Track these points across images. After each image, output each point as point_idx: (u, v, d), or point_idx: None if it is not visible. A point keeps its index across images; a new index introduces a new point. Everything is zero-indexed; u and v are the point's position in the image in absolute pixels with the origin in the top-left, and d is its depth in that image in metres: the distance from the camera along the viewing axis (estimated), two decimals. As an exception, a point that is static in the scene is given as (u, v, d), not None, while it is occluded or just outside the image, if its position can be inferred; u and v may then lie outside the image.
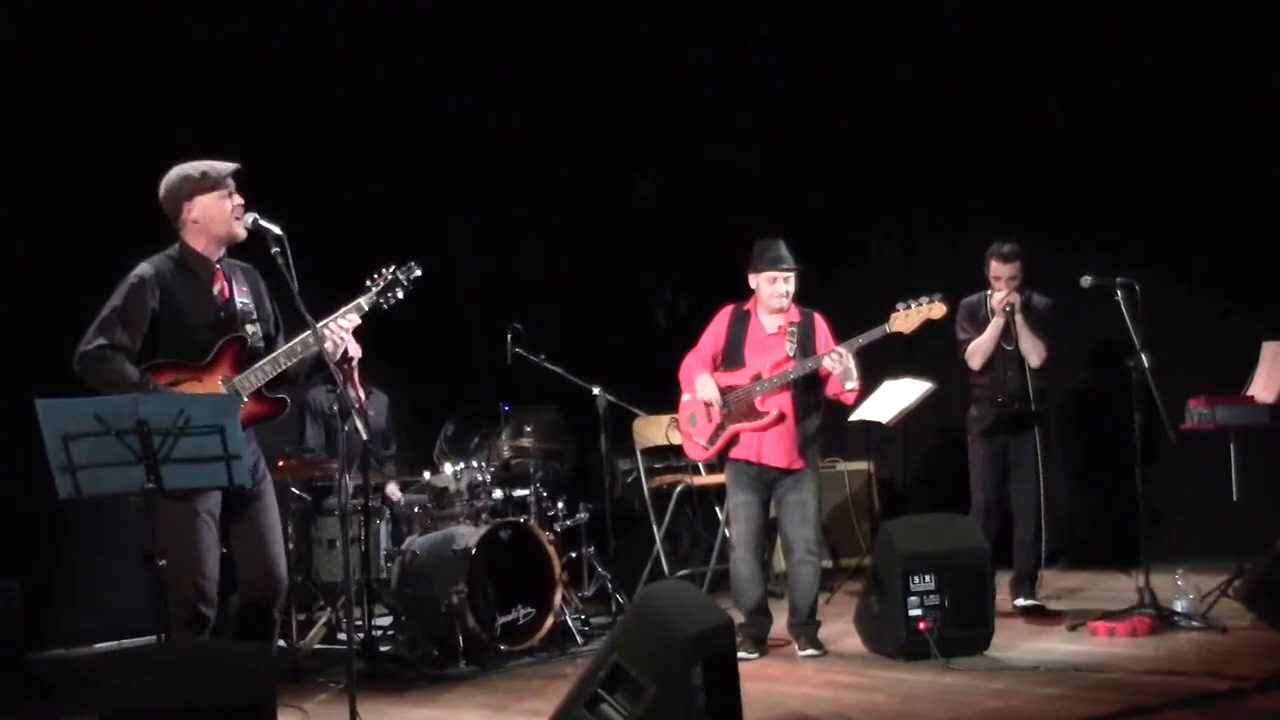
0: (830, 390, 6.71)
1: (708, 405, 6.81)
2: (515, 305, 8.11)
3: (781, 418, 6.67)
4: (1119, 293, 6.84)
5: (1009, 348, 7.41)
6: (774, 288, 6.77)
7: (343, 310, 5.31)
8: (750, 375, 6.75)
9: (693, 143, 10.81)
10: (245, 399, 5.11)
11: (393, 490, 8.12)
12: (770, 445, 6.71)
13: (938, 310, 6.44)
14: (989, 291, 7.49)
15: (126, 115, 8.05)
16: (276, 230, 5.14)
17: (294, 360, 5.21)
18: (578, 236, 10.29)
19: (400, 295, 5.44)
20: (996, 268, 7.41)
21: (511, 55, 10.15)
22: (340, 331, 5.26)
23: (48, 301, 7.37)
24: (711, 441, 6.87)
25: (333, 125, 9.08)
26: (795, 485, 6.73)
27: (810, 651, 6.65)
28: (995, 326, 7.40)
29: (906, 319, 6.43)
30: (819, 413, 6.83)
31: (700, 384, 6.82)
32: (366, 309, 5.36)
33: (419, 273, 5.47)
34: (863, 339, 6.48)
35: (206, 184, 5.19)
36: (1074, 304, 7.52)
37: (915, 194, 9.69)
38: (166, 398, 4.80)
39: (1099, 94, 8.90)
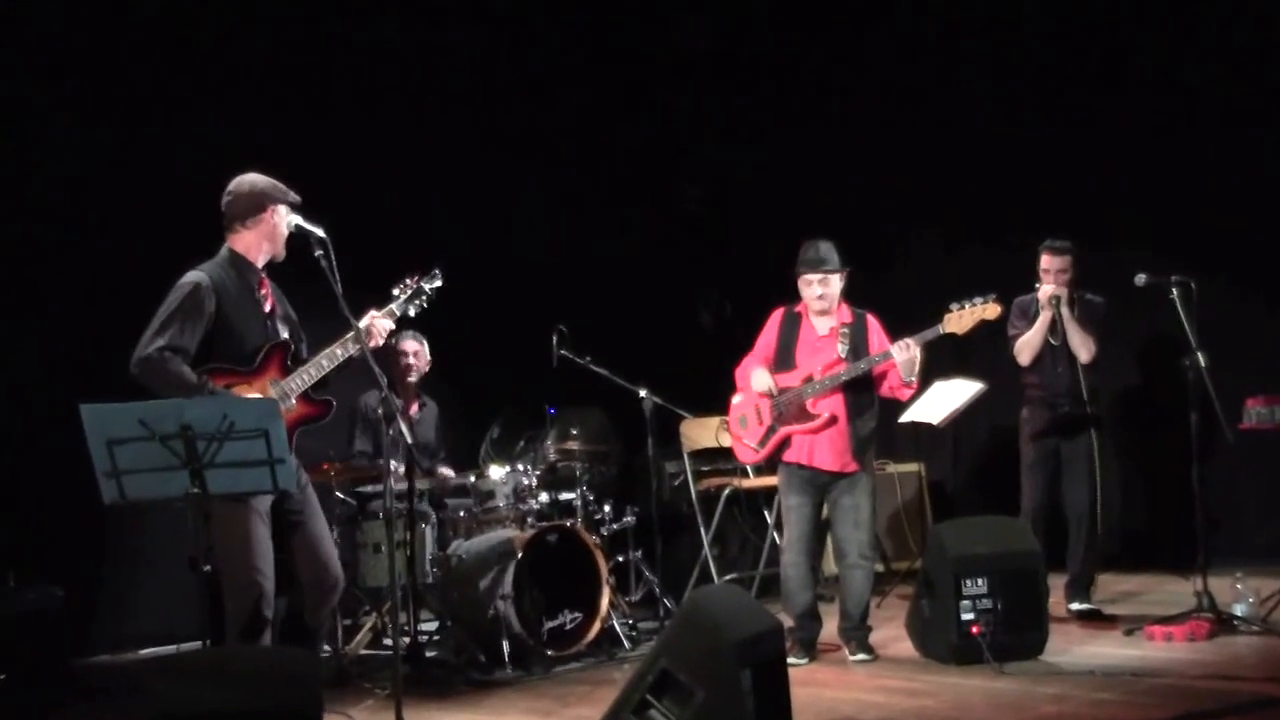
0: (887, 385, 6.67)
1: (761, 399, 6.78)
2: (561, 307, 8.11)
3: (833, 420, 6.63)
4: (1174, 291, 6.77)
5: (1056, 344, 7.37)
6: (809, 290, 6.75)
7: (380, 313, 5.53)
8: (802, 377, 6.71)
9: (739, 143, 10.77)
10: (294, 401, 5.24)
11: (447, 476, 8.13)
12: (823, 448, 6.67)
13: (992, 311, 6.38)
14: (1039, 285, 7.43)
15: (162, 126, 8.10)
16: (319, 232, 5.22)
17: (336, 363, 5.35)
18: (624, 238, 10.28)
19: (424, 305, 5.72)
20: (1046, 260, 7.37)
21: (557, 57, 10.15)
22: (383, 330, 5.50)
23: (91, 308, 7.46)
24: (762, 444, 6.84)
25: (375, 124, 9.10)
26: (849, 489, 6.69)
27: (861, 656, 6.61)
28: (1042, 321, 7.36)
29: (960, 320, 6.38)
30: (873, 415, 6.78)
31: (756, 376, 6.80)
32: (399, 315, 5.63)
33: (439, 283, 5.74)
34: (916, 340, 6.45)
35: (288, 199, 5.39)
36: (1128, 303, 7.44)
37: (963, 193, 9.64)
38: (210, 401, 4.85)
39: (1149, 89, 8.81)
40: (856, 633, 6.70)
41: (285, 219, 5.36)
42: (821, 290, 6.72)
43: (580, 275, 9.72)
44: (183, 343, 5.11)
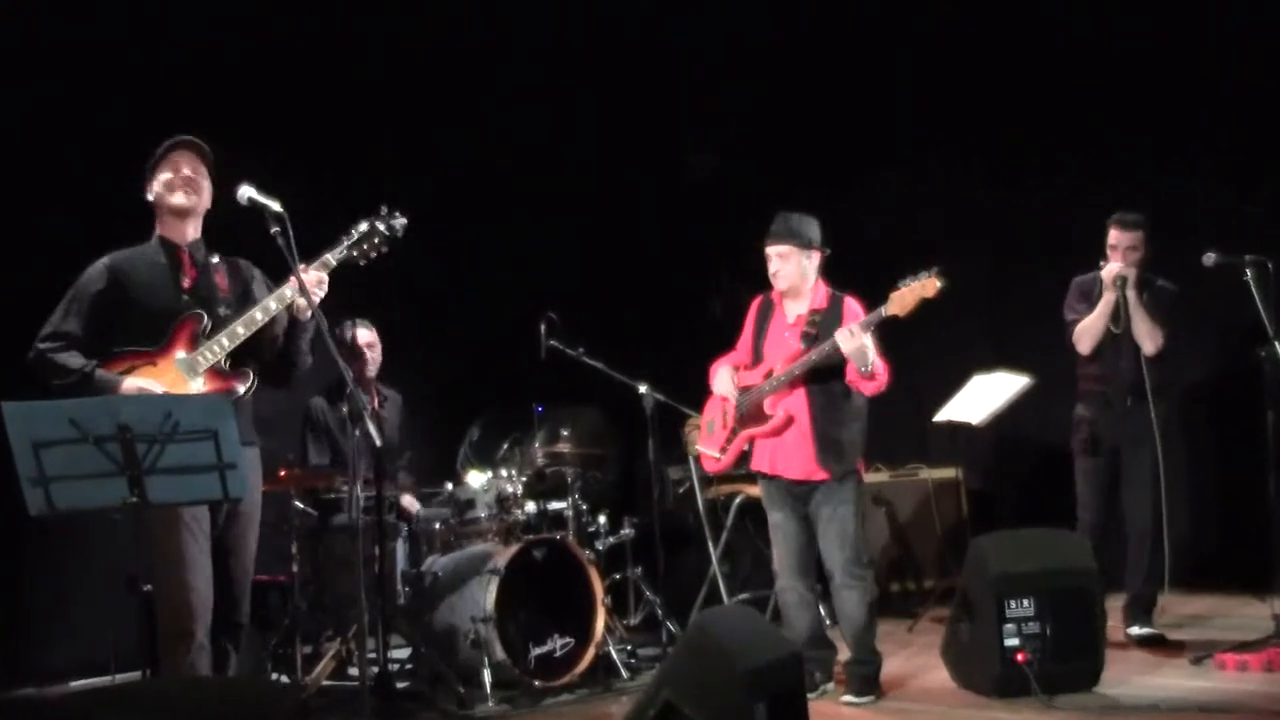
0: (848, 378, 6.49)
1: (724, 404, 6.77)
2: (550, 292, 8.10)
3: (790, 421, 6.55)
4: (1248, 271, 6.76)
5: (1118, 331, 7.35)
6: (768, 267, 6.71)
7: (313, 264, 5.48)
8: (764, 373, 6.67)
9: (749, 113, 10.75)
10: (201, 376, 5.31)
11: (409, 503, 8.14)
12: (786, 454, 6.59)
13: (930, 287, 6.17)
14: (1103, 263, 7.42)
15: (96, 100, 8.04)
16: (275, 206, 5.26)
17: (254, 329, 5.38)
18: (622, 215, 10.26)
19: (383, 248, 5.61)
20: (1115, 235, 7.36)
21: (550, 21, 10.12)
22: (310, 287, 5.42)
23: (11, 299, 7.42)
24: (724, 450, 6.80)
25: (348, 88, 9.09)
26: (825, 500, 6.54)
27: (849, 699, 6.46)
28: (1106, 303, 7.34)
29: (902, 300, 6.21)
30: (851, 413, 6.60)
31: (718, 378, 6.80)
32: (334, 264, 5.53)
33: (403, 221, 5.63)
34: (862, 325, 6.29)
35: (152, 162, 5.53)
36: (1196, 285, 7.43)
37: (1009, 166, 9.63)
38: (151, 399, 4.90)
39: (1212, 50, 8.80)
40: (855, 668, 6.54)
41: (159, 181, 5.49)
42: (777, 266, 6.66)
43: (572, 256, 9.71)
44: (66, 327, 5.33)
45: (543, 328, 7.78)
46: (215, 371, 5.34)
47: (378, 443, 5.47)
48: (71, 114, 7.94)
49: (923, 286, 6.17)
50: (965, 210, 9.89)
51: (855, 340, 6.24)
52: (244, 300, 5.58)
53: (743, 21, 10.41)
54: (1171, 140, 8.85)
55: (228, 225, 5.61)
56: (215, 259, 5.60)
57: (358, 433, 5.81)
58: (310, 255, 5.36)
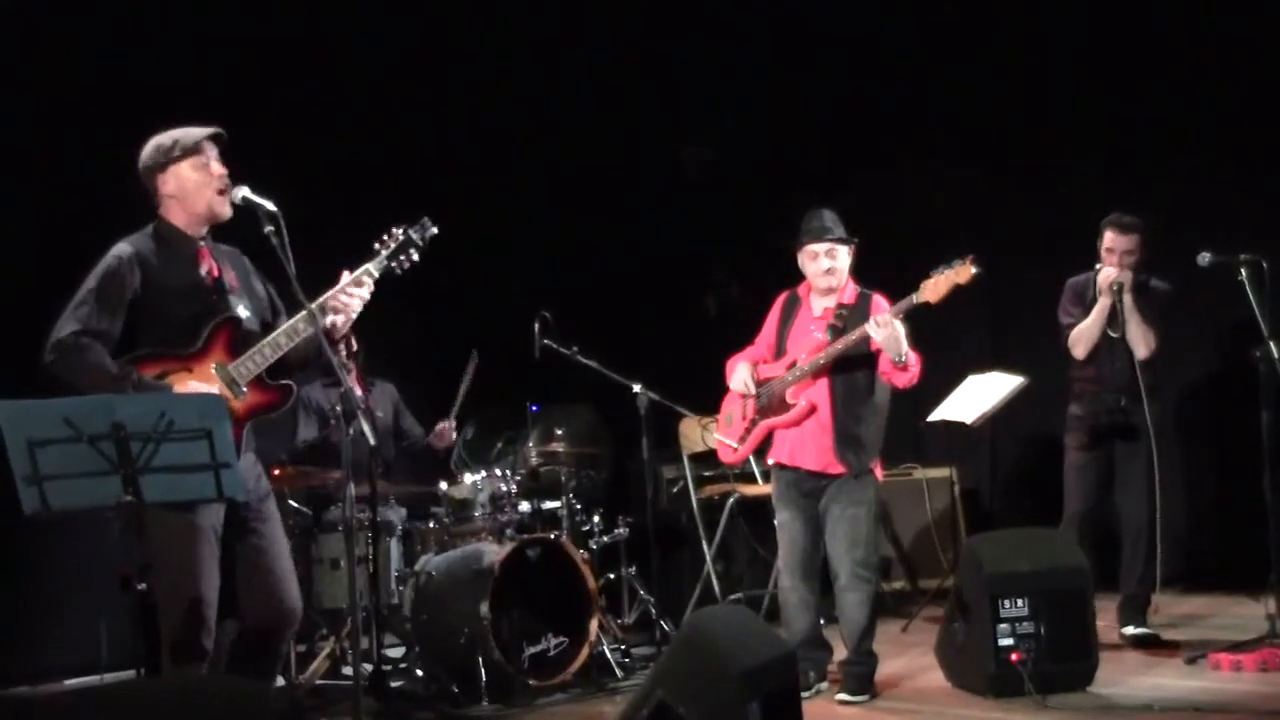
0: (880, 369, 6.47)
1: (744, 398, 6.76)
2: (544, 290, 8.10)
3: (812, 410, 6.53)
4: (1243, 271, 6.77)
5: (1115, 335, 7.36)
6: (816, 264, 6.63)
7: (350, 277, 5.33)
8: (786, 365, 6.66)
9: (747, 107, 10.76)
10: (244, 388, 5.13)
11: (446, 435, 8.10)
12: (804, 444, 6.56)
13: (964, 274, 6.16)
14: (1099, 266, 7.42)
15: (93, 81, 8.02)
16: (270, 206, 5.15)
17: (296, 340, 5.19)
18: (617, 213, 10.25)
19: (415, 257, 5.45)
20: (1111, 239, 7.34)
21: (546, 19, 10.11)
22: (354, 300, 5.30)
23: (8, 291, 7.43)
24: (742, 440, 6.80)
25: (339, 82, 9.09)
26: (837, 495, 6.52)
27: (843, 696, 6.46)
28: (1101, 308, 7.33)
29: (935, 287, 6.20)
30: (873, 409, 6.59)
31: (736, 373, 6.78)
32: (377, 275, 5.37)
33: (434, 230, 5.48)
34: (894, 312, 6.29)
35: (179, 152, 5.22)
36: (1191, 285, 7.44)
37: (1005, 163, 9.65)
38: (146, 398, 4.82)
39: (1208, 49, 8.81)
40: (851, 667, 6.54)
41: (190, 177, 5.22)
42: (830, 263, 6.61)
43: (566, 254, 9.71)
44: (99, 326, 5.04)
45: (537, 326, 7.78)
46: (257, 384, 5.16)
47: (372, 442, 5.42)
48: (71, 113, 7.95)
49: (956, 273, 6.17)
50: (963, 209, 9.91)
51: (887, 329, 6.22)
52: (253, 296, 5.42)
53: (740, 18, 10.41)
54: (1171, 140, 8.86)
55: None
56: (222, 254, 5.39)
57: (351, 430, 5.79)
58: (303, 256, 5.30)
